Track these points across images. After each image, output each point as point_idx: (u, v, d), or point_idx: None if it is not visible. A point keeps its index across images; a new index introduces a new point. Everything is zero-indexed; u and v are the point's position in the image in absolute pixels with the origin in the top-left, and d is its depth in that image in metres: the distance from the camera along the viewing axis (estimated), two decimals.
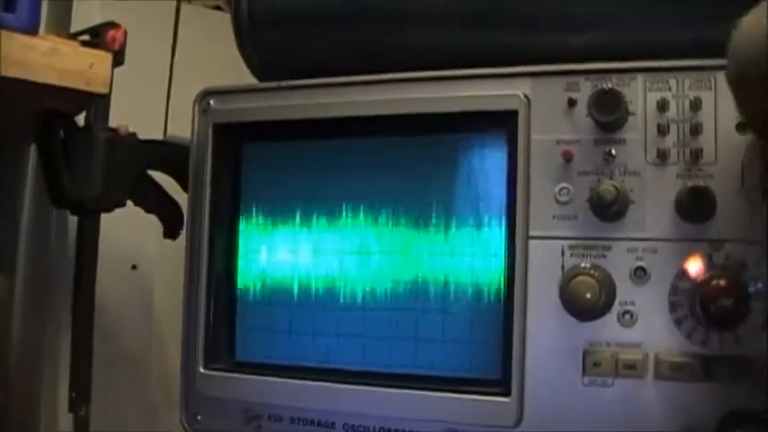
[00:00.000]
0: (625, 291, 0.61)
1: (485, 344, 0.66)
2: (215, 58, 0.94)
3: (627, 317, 0.61)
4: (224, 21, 0.80)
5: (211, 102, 0.76)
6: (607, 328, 0.61)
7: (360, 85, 0.71)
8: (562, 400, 0.62)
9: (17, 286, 0.96)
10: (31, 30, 0.69)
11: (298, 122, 0.72)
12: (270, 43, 0.76)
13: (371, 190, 0.71)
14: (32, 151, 0.95)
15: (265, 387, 0.71)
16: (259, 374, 0.72)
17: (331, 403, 0.69)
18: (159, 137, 0.93)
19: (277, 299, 0.73)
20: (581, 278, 0.60)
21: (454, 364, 0.67)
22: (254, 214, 0.75)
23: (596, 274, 0.60)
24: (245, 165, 0.76)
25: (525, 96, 0.65)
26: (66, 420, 0.87)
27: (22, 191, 0.98)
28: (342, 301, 0.71)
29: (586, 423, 0.61)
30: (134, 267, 1.08)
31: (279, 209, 0.74)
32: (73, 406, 0.82)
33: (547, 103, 0.64)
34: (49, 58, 0.69)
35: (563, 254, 0.63)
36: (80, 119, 0.84)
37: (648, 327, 0.60)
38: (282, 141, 0.75)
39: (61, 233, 0.98)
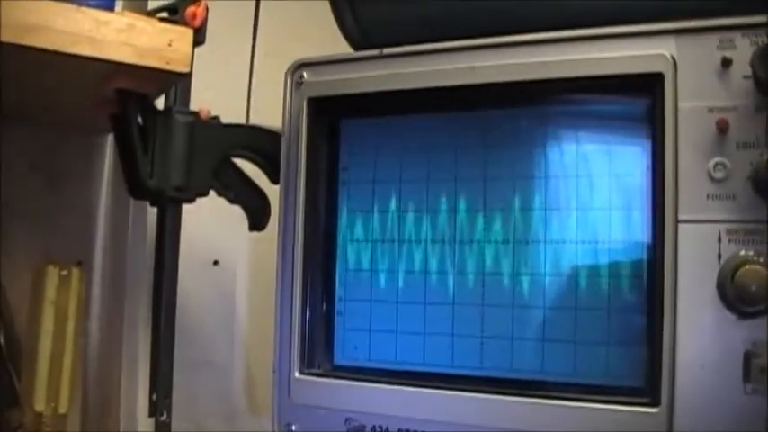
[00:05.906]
0: None
1: (624, 346, 0.59)
2: (300, 38, 0.88)
3: None
4: None
5: (305, 74, 0.71)
6: None
7: (475, 50, 0.64)
8: (720, 410, 0.54)
9: (94, 282, 0.95)
10: (107, 5, 0.67)
11: (402, 94, 0.67)
12: (371, 7, 0.71)
13: (485, 170, 0.64)
14: (109, 139, 0.92)
15: (369, 394, 0.66)
16: (361, 380, 0.67)
17: (445, 413, 0.63)
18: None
19: (381, 294, 0.68)
20: (749, 267, 0.53)
21: (588, 370, 0.60)
22: (354, 200, 0.70)
23: (765, 263, 0.53)
24: (345, 144, 0.71)
25: (671, 57, 0.57)
26: (145, 427, 0.85)
27: (98, 182, 0.96)
28: (456, 296, 0.64)
29: None
30: (216, 263, 1.05)
31: (383, 193, 0.68)
32: (153, 410, 0.79)
33: (696, 64, 0.57)
34: (124, 35, 0.67)
35: (719, 240, 0.55)
36: (159, 103, 0.81)
37: None
38: (385, 116, 0.69)
39: (139, 226, 0.95)
